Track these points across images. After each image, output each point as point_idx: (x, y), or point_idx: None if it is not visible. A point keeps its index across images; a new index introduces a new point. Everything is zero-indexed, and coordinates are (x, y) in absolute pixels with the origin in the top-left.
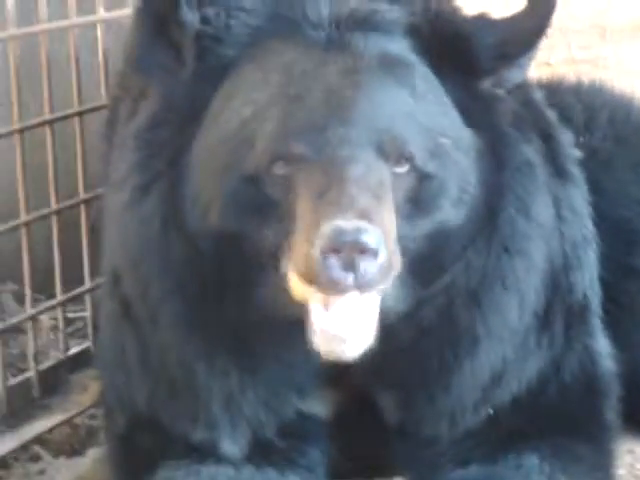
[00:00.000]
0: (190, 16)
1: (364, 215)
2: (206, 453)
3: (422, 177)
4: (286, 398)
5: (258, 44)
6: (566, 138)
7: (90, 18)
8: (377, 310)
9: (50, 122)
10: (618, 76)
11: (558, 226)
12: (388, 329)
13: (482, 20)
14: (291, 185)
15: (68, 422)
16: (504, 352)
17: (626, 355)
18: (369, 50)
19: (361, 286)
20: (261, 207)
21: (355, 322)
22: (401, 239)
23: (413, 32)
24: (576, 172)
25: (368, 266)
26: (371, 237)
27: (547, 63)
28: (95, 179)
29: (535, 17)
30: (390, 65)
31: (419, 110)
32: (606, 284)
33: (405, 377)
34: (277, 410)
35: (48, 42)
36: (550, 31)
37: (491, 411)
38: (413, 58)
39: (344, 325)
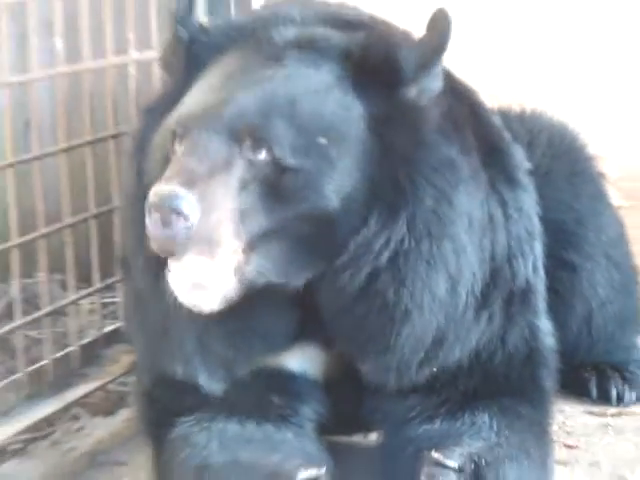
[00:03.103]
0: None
1: (187, 183)
2: (215, 409)
3: (283, 169)
4: (250, 344)
5: (228, 52)
6: (518, 152)
7: (124, 58)
8: (231, 271)
9: (90, 143)
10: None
11: (505, 224)
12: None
13: (408, 41)
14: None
15: (102, 388)
16: (438, 321)
17: (561, 335)
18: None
19: (174, 245)
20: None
21: (207, 279)
22: (265, 223)
23: (347, 55)
24: (525, 180)
25: (179, 228)
26: (183, 202)
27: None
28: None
29: (434, 36)
30: (303, 58)
31: (305, 109)
32: (546, 275)
33: (355, 335)
34: (245, 352)
35: (91, 78)
36: None
37: (435, 369)
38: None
39: (198, 279)
